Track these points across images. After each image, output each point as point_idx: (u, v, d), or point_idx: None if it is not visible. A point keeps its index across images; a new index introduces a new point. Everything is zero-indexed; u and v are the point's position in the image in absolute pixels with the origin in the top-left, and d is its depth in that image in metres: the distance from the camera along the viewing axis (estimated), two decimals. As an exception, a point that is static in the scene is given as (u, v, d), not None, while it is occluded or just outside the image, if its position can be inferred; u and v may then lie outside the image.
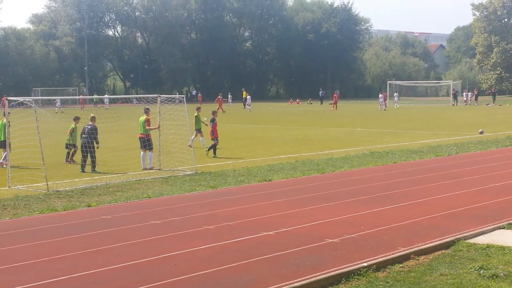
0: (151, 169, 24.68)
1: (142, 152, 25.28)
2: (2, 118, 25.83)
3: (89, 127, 24.51)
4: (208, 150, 28.78)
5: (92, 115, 25.36)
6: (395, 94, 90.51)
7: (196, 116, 32.08)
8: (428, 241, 12.57)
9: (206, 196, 18.64)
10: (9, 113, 23.36)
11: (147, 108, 26.22)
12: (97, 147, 24.64)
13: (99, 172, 23.88)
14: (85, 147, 24.17)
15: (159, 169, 24.43)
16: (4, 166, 24.54)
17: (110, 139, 26.57)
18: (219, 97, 79.49)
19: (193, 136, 31.27)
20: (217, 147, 29.07)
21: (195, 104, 60.45)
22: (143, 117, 25.76)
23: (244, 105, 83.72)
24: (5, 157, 25.52)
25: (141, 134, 25.52)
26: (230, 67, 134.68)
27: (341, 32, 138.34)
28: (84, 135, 24.43)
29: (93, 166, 24.22)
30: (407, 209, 16.07)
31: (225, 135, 36.48)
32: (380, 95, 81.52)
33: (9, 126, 22.36)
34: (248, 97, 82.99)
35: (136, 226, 14.52)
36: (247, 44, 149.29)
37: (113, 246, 12.69)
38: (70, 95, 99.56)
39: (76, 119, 27.23)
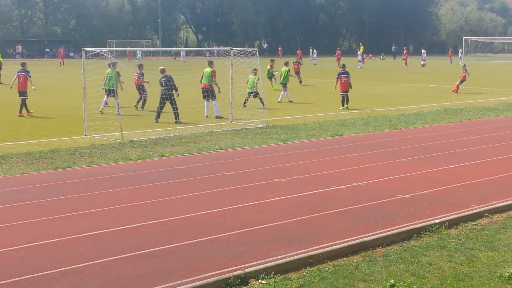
0: (221, 117, 25.27)
1: (205, 102, 26.22)
2: (108, 69, 26.98)
3: (164, 78, 24.84)
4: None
5: (161, 67, 25.60)
6: (423, 50, 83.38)
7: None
8: (503, 200, 12.34)
9: (277, 149, 18.71)
10: (116, 62, 24.76)
11: (211, 61, 27.57)
12: (177, 95, 25.16)
13: (182, 122, 24.26)
14: (165, 98, 24.59)
15: (231, 122, 24.62)
16: (121, 114, 25.46)
17: (183, 91, 26.77)
18: (338, 51, 79.36)
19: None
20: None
21: (267, 57, 59.99)
22: (208, 69, 26.69)
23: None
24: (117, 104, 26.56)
25: (205, 84, 26.49)
26: (302, 21, 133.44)
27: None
28: (162, 88, 24.80)
29: (176, 117, 24.70)
30: (481, 167, 15.78)
31: (302, 90, 36.35)
32: (358, 52, 79.57)
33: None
34: (359, 52, 79.05)
35: (208, 177, 14.70)
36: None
37: (185, 196, 12.88)
38: (144, 47, 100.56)
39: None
